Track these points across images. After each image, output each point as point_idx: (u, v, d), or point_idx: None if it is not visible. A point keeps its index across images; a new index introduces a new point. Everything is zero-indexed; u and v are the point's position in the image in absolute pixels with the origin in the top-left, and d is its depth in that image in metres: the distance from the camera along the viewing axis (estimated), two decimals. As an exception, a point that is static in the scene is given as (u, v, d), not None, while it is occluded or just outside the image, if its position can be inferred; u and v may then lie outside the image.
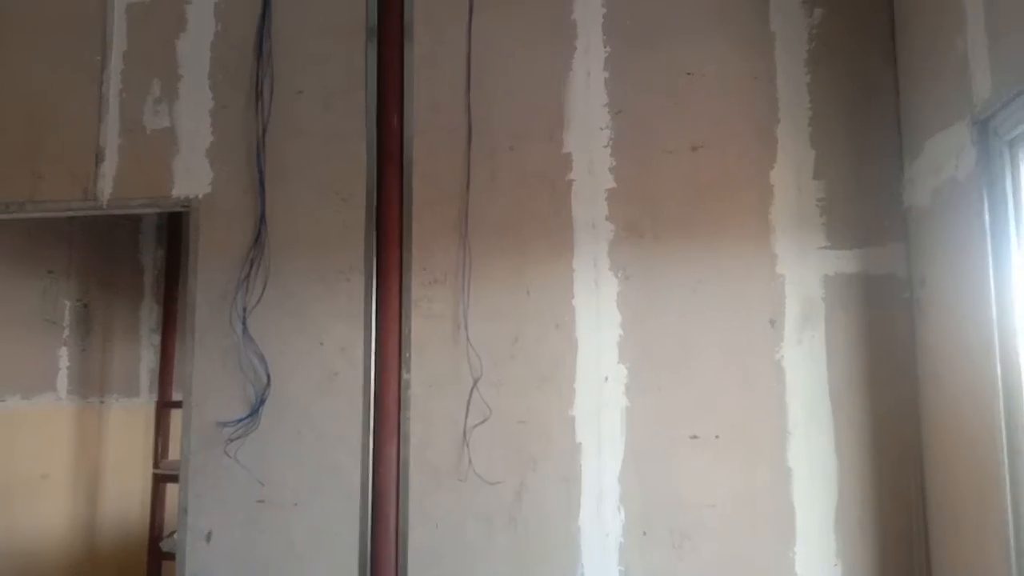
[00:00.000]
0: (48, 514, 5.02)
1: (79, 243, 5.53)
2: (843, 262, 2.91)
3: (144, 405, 5.64)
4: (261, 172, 3.14)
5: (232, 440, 3.03)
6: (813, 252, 2.92)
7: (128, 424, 5.58)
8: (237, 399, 3.08)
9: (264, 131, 3.17)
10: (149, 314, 5.96)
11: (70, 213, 3.29)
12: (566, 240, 3.02)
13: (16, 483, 4.76)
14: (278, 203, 3.15)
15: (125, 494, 5.41)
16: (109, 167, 3.27)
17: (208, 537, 3.04)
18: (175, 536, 4.97)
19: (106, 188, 3.26)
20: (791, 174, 2.95)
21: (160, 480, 4.71)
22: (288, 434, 3.05)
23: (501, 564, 2.91)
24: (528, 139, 3.09)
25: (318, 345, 3.08)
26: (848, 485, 2.82)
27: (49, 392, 5.17)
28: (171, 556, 4.69)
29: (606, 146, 3.05)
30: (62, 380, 5.28)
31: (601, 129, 3.06)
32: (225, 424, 3.06)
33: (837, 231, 2.92)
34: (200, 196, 3.21)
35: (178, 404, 5.05)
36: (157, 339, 5.93)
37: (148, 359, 5.89)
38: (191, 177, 3.22)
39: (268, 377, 3.04)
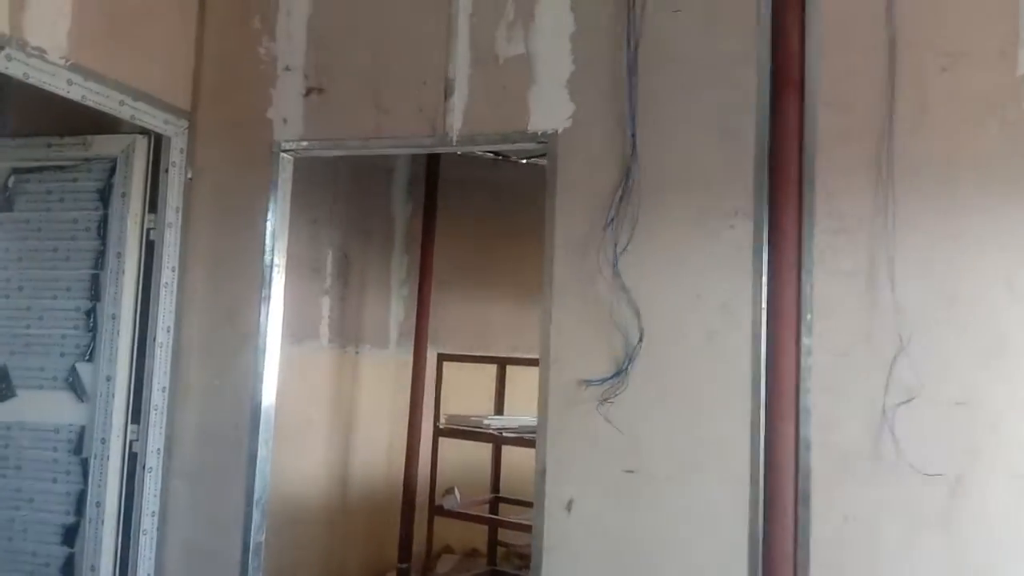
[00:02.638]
0: (310, 460, 5.02)
1: (341, 192, 5.47)
2: None
3: (392, 357, 5.55)
4: (632, 103, 2.76)
5: (602, 402, 2.71)
6: None
7: (378, 376, 5.52)
8: (600, 356, 2.75)
9: (634, 59, 2.78)
10: (399, 266, 5.86)
11: (417, 150, 3.07)
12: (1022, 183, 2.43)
13: (287, 426, 4.77)
14: (649, 138, 2.76)
15: (372, 446, 5.37)
16: (458, 100, 3.00)
17: (568, 506, 2.75)
18: (453, 494, 4.87)
19: (455, 123, 3.00)
20: None
21: (439, 435, 4.56)
22: (660, 398, 2.69)
23: (927, 571, 2.42)
24: (968, 58, 2.51)
25: (695, 299, 2.69)
26: None
27: (313, 339, 5.16)
28: (447, 514, 4.55)
29: (1080, 64, 2.43)
30: (324, 328, 5.25)
31: (1073, 43, 2.44)
32: (589, 383, 2.74)
33: None
34: (559, 131, 2.88)
35: (453, 357, 4.87)
36: (406, 291, 5.83)
37: (397, 311, 5.80)
38: (549, 110, 2.90)
39: (641, 332, 2.68)
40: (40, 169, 3.33)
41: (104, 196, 3.27)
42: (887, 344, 2.49)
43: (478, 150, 3.02)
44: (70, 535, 3.20)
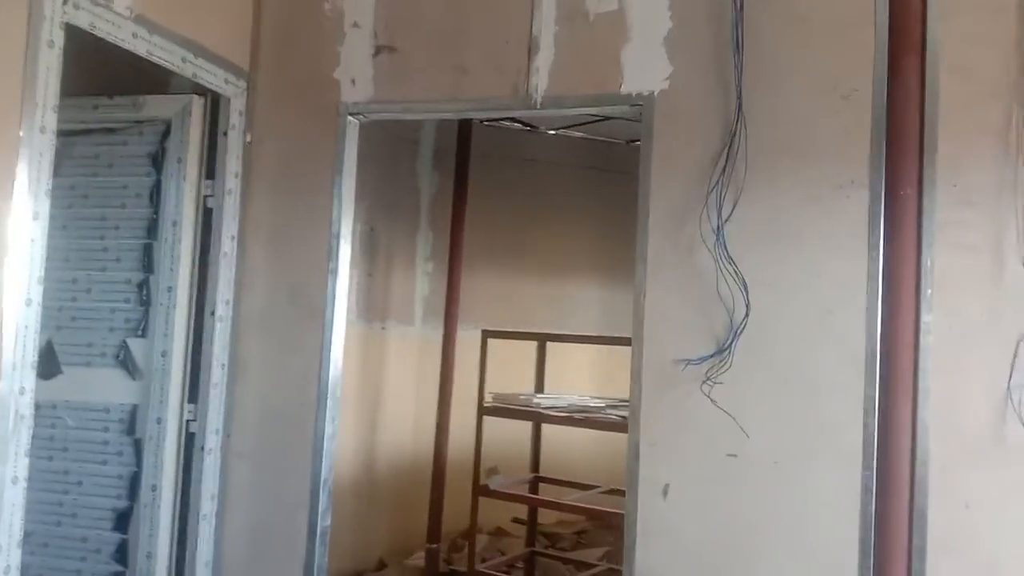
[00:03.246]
0: (340, 434, 4.87)
1: (367, 165, 5.27)
2: None
3: (418, 334, 5.40)
4: (738, 64, 2.59)
5: (706, 381, 2.56)
6: None
7: (404, 352, 5.36)
8: (699, 333, 2.61)
9: (741, 16, 2.61)
10: (425, 241, 5.69)
11: (497, 113, 2.90)
12: None
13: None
14: (755, 102, 2.60)
15: (399, 424, 5.23)
16: (544, 59, 2.82)
17: (665, 491, 2.62)
18: (498, 473, 4.74)
19: (540, 84, 2.82)
20: None
21: (483, 413, 4.41)
22: (767, 378, 2.55)
23: (1055, 560, 2.31)
24: (1105, 20, 2.37)
25: (804, 275, 2.55)
26: None
27: (342, 314, 4.98)
28: (492, 494, 4.41)
29: None
30: (352, 302, 5.07)
31: None
32: (689, 362, 2.60)
33: None
34: (655, 93, 2.71)
35: (498, 333, 4.71)
36: (431, 267, 5.66)
37: (422, 287, 5.64)
38: (644, 71, 2.73)
39: (747, 307, 2.54)
40: (87, 132, 3.12)
41: (157, 161, 3.07)
42: (1013, 322, 2.36)
43: (564, 113, 2.84)
44: (122, 520, 3.03)
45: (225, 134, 3.04)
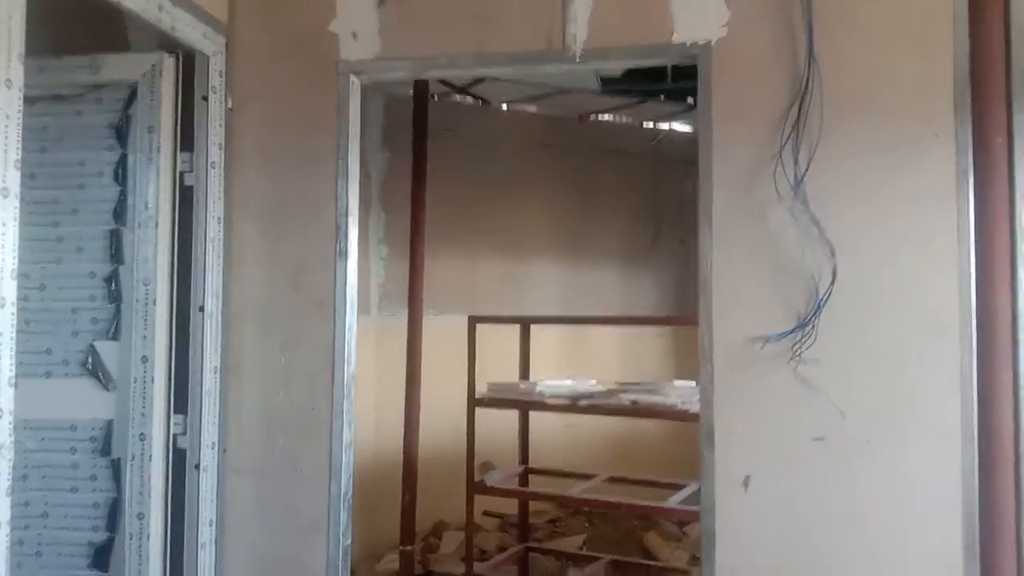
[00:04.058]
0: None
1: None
2: None
3: (374, 323, 4.99)
4: (809, 7, 2.34)
5: (791, 359, 2.31)
6: None
7: (359, 344, 4.95)
8: (775, 306, 2.36)
9: (806, -49, 2.35)
10: (377, 223, 5.29)
11: (529, 69, 2.55)
12: None
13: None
14: (828, 49, 2.35)
15: (358, 419, 4.83)
16: (582, 6, 2.49)
17: (745, 483, 2.36)
18: (494, 468, 4.41)
19: (578, 34, 2.50)
20: None
21: (475, 405, 4.07)
22: (854, 352, 2.32)
23: None
24: None
25: (888, 235, 2.33)
26: None
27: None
28: (490, 491, 4.10)
29: None
30: None
31: None
32: (768, 338, 2.34)
33: None
34: (712, 42, 2.43)
35: (487, 319, 4.35)
36: (385, 251, 5.29)
37: (377, 273, 5.25)
38: (698, 17, 2.44)
39: (833, 273, 2.29)
40: (31, 100, 2.60)
41: (121, 133, 2.60)
42: (1120, 279, 2.20)
43: (608, 68, 2.53)
44: (102, 556, 2.57)
45: (204, 98, 2.59)
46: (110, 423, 2.57)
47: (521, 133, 5.86)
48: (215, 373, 2.60)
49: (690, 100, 5.19)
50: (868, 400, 2.30)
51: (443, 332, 4.62)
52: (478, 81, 5.05)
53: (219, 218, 2.61)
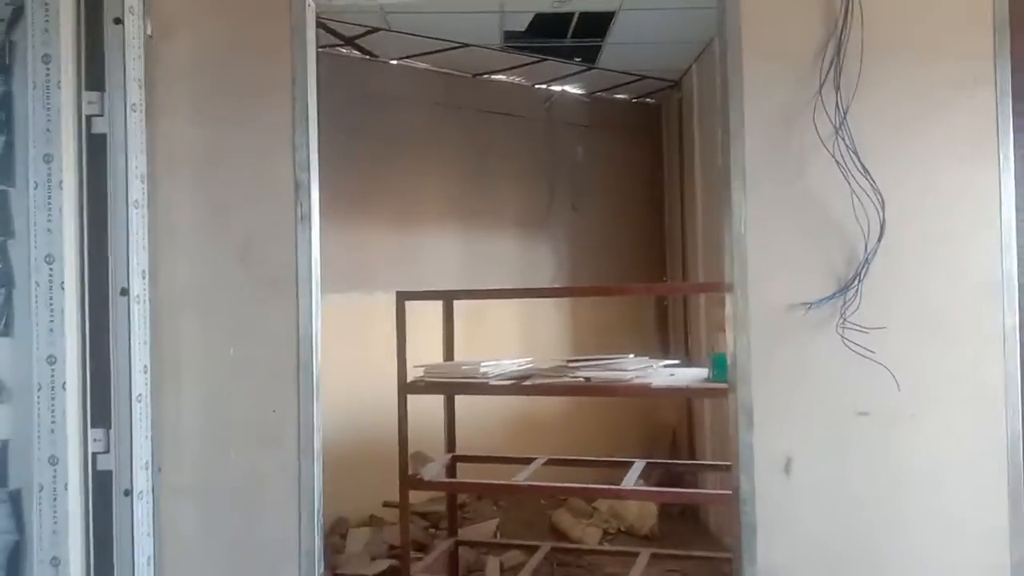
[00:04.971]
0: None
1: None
2: None
3: None
4: (844, -68, 2.09)
5: (840, 325, 2.08)
6: None
7: None
8: (815, 268, 2.13)
9: None
10: None
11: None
12: None
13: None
14: (863, -20, 2.12)
15: None
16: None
17: (787, 466, 2.12)
18: (432, 461, 3.99)
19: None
20: None
21: (407, 391, 3.63)
22: (899, 318, 2.12)
23: None
24: None
25: (928, 189, 2.14)
26: None
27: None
28: (426, 486, 3.71)
29: None
30: None
31: None
32: (809, 304, 2.10)
33: None
34: (740, -29, 2.14)
35: (415, 295, 3.90)
36: None
37: None
38: (724, -59, 2.14)
39: (881, 227, 2.07)
40: None
41: (3, 63, 1.98)
42: None
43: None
44: (-1, 618, 1.98)
45: (118, 21, 2.01)
46: (5, 444, 1.98)
47: (413, 90, 5.43)
48: (144, 373, 2.05)
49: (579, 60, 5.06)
50: (912, 371, 2.11)
51: (340, 311, 4.14)
52: (369, 31, 4.57)
53: (142, 175, 2.05)
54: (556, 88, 6.01)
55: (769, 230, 2.13)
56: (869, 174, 2.07)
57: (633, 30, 4.51)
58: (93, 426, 2.01)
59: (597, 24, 4.40)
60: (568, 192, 6.10)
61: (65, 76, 1.97)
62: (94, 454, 2.01)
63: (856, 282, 2.09)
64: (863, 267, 2.08)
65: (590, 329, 5.85)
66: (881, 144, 2.10)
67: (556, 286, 5.98)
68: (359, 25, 4.47)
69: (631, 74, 5.52)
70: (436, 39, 4.76)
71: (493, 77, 5.66)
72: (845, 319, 2.08)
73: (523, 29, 4.58)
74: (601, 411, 5.49)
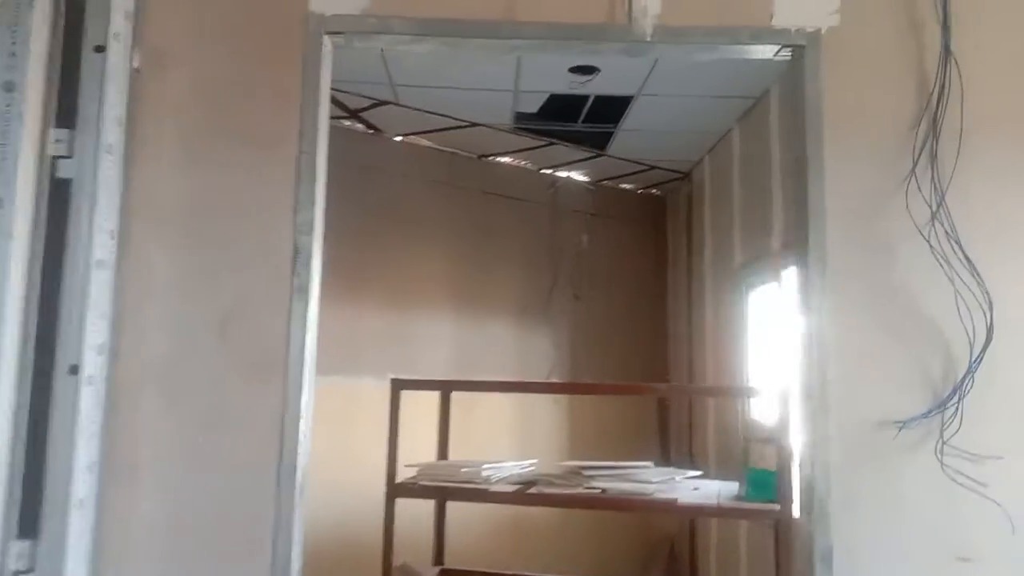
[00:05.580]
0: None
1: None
2: None
3: None
4: (943, -7, 1.85)
5: (941, 445, 1.73)
6: None
7: None
8: (908, 377, 1.80)
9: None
10: None
11: (581, 49, 1.87)
12: None
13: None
14: (966, 44, 1.86)
15: None
16: (653, -29, 1.87)
17: (874, 622, 1.73)
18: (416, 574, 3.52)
19: (649, 7, 1.86)
20: None
21: (396, 495, 3.19)
22: (1009, 440, 1.77)
23: None
24: None
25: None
26: None
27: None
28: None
29: None
30: None
31: None
32: (902, 423, 1.75)
33: None
34: (821, 31, 1.88)
35: (411, 384, 3.51)
36: None
37: None
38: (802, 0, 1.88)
39: (989, 332, 1.75)
40: None
41: (-45, 87, 1.65)
42: None
43: (686, 55, 1.91)
44: None
45: (99, 49, 1.70)
46: (-99, 557, 1.55)
47: (415, 167, 5.20)
48: (90, 472, 1.65)
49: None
50: (1025, 503, 1.75)
51: (323, 396, 3.73)
52: (376, 104, 4.35)
53: (111, 230, 1.70)
54: (562, 174, 5.82)
55: (852, 328, 1.80)
56: (973, 266, 1.75)
57: (649, 117, 4.31)
58: (18, 537, 1.60)
59: (612, 109, 4.21)
60: (570, 280, 5.83)
61: (29, 108, 1.64)
62: (15, 573, 1.59)
63: (957, 398, 1.75)
64: (967, 379, 1.74)
65: (589, 422, 5.48)
66: (987, 231, 1.80)
67: (555, 380, 5.61)
68: (366, 97, 4.25)
69: (641, 163, 5.32)
70: (444, 116, 4.55)
71: (498, 159, 5.46)
72: (944, 442, 1.73)
73: (535, 111, 4.39)
74: (595, 517, 5.04)
